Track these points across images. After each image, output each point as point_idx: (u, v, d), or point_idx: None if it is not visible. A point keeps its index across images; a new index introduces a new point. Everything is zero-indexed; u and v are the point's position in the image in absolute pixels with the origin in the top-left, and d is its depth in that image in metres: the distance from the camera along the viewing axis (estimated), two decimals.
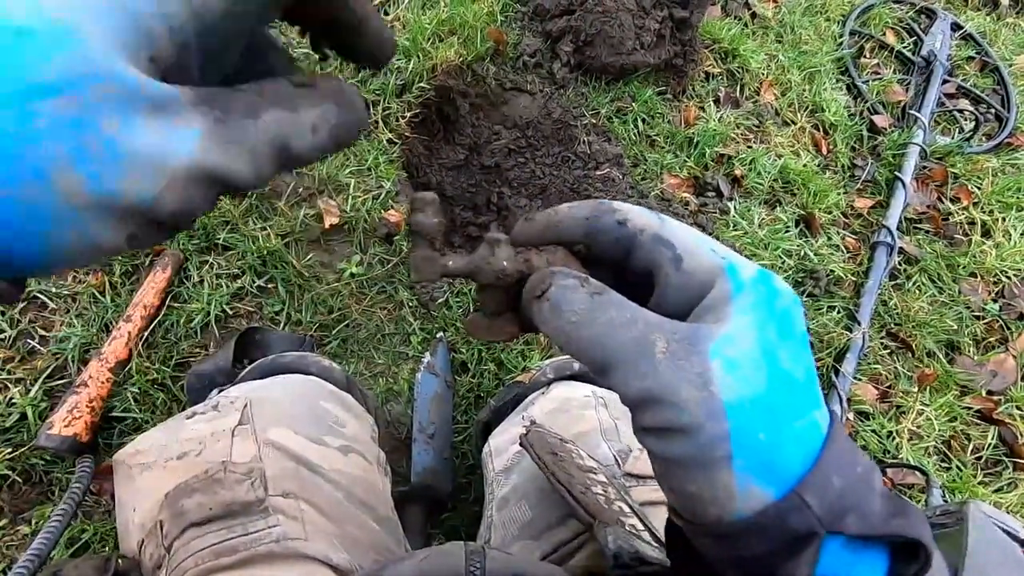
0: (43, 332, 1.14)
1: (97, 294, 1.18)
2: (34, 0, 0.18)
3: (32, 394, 1.07)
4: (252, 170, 0.22)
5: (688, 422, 0.26)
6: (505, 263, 0.32)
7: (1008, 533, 0.91)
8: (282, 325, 1.22)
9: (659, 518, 0.61)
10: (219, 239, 1.25)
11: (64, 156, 0.18)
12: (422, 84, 1.49)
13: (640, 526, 0.57)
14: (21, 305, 1.14)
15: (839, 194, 1.70)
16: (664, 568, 0.45)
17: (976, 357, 1.56)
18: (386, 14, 1.57)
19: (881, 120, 1.86)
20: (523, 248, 0.33)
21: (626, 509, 0.58)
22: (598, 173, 1.59)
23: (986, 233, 1.74)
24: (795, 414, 0.27)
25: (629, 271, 0.32)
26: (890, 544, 0.27)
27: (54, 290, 1.16)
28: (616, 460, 0.70)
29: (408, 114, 1.47)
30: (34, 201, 0.18)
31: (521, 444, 0.65)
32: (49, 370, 1.10)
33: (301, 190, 1.35)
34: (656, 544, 0.54)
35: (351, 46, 0.29)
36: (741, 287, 0.29)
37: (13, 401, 1.06)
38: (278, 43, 0.29)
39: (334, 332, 1.24)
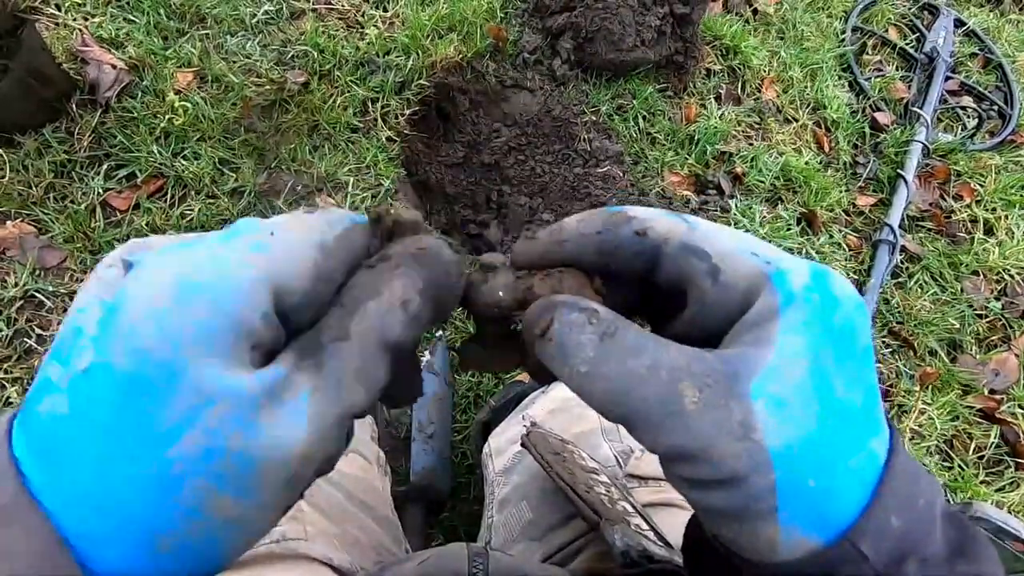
0: (40, 331, 1.13)
1: None
2: (132, 339, 0.20)
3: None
4: (368, 388, 0.23)
5: (728, 476, 0.22)
6: (501, 294, 0.27)
7: (1009, 533, 0.90)
8: None
9: (662, 519, 0.60)
10: None
11: (206, 488, 0.20)
12: (421, 81, 1.48)
13: (644, 526, 0.56)
14: (18, 304, 1.14)
15: (841, 192, 1.69)
16: (673, 566, 0.44)
17: (978, 356, 1.55)
18: (385, 10, 1.56)
19: (883, 117, 1.85)
20: (525, 272, 0.28)
21: (630, 509, 0.58)
22: (599, 171, 1.59)
23: (989, 231, 1.73)
24: (850, 450, 0.24)
25: (657, 286, 0.27)
26: None
27: (51, 289, 1.16)
28: (618, 461, 0.69)
29: (407, 111, 1.46)
30: (200, 532, 0.20)
31: (523, 444, 0.65)
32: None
33: (300, 188, 1.34)
34: (661, 544, 0.53)
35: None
36: (791, 298, 0.24)
37: (10, 400, 1.06)
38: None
39: None
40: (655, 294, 0.28)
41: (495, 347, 0.30)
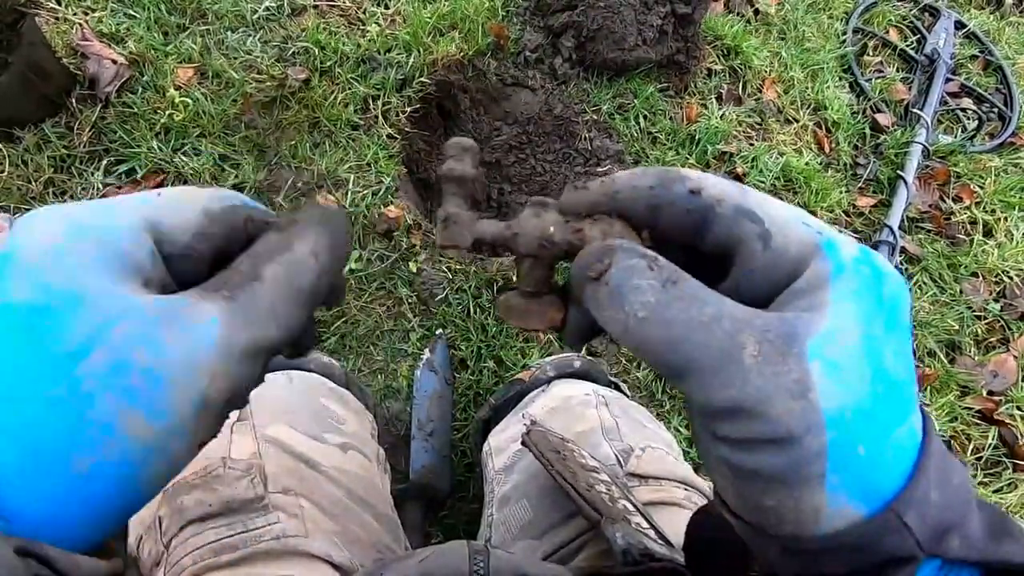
0: None
1: None
2: (30, 275, 0.21)
3: None
4: (279, 325, 0.24)
5: (783, 435, 0.22)
6: (553, 228, 0.27)
7: None
8: None
9: (662, 518, 0.60)
10: None
11: (117, 403, 0.20)
12: (422, 79, 1.48)
13: (645, 524, 0.56)
14: None
15: (841, 192, 1.69)
16: (674, 565, 0.44)
17: (977, 357, 1.55)
18: (386, 8, 1.56)
19: (884, 118, 1.85)
20: (573, 218, 0.27)
21: (630, 508, 0.58)
22: (600, 170, 1.59)
23: (988, 233, 1.73)
24: (897, 420, 0.24)
25: (703, 250, 0.27)
26: (985, 566, 0.24)
27: None
28: (618, 460, 0.69)
29: (408, 109, 1.46)
30: (115, 453, 0.20)
31: (523, 443, 0.65)
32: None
33: (300, 185, 1.34)
34: (662, 543, 0.53)
35: None
36: (842, 268, 0.24)
37: None
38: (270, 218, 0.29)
39: (332, 328, 1.23)
40: (698, 260, 0.27)
41: (536, 296, 0.29)
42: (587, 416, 0.75)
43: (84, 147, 1.26)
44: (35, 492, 0.20)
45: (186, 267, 0.25)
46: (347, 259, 0.28)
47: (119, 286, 0.22)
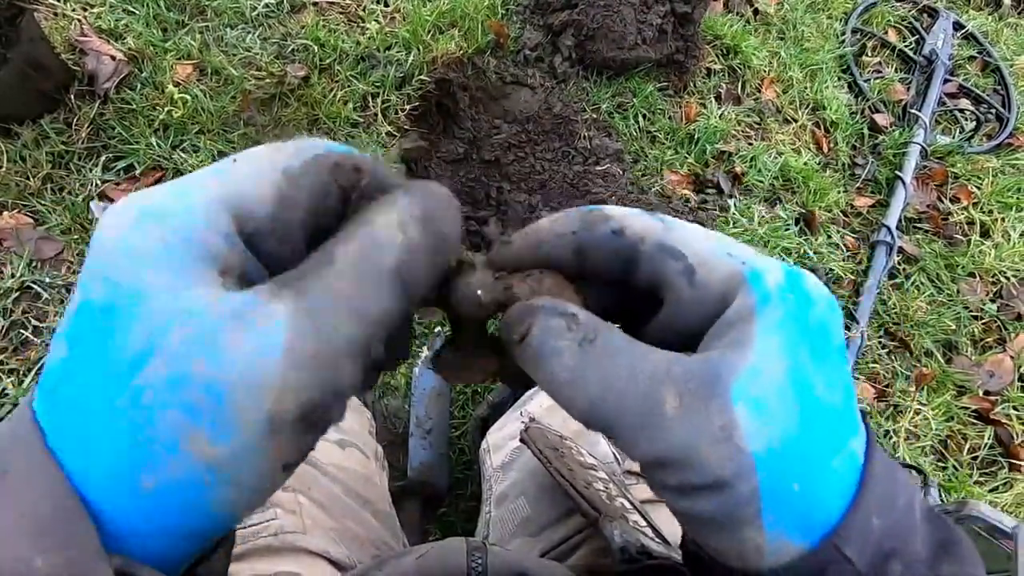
0: (36, 323, 1.13)
1: None
2: (100, 271, 0.20)
3: (25, 385, 1.06)
4: (360, 319, 0.20)
5: (712, 482, 0.22)
6: (480, 292, 0.26)
7: (1004, 532, 0.91)
8: None
9: (660, 516, 0.61)
10: None
11: (179, 419, 0.19)
12: (422, 77, 1.48)
13: (643, 522, 0.56)
14: (14, 295, 1.13)
15: (839, 192, 1.69)
16: (671, 563, 0.44)
17: (974, 357, 1.56)
18: (386, 5, 1.56)
19: (882, 119, 1.85)
20: (503, 273, 0.27)
21: (628, 506, 0.58)
22: (598, 168, 1.59)
23: (985, 233, 1.74)
24: (832, 450, 0.23)
25: (633, 286, 0.27)
26: None
27: (48, 280, 1.15)
28: (615, 457, 0.70)
29: (408, 107, 1.46)
30: (180, 472, 0.19)
31: (522, 440, 0.65)
32: (42, 361, 1.08)
33: None
34: (659, 541, 0.53)
35: None
36: (767, 298, 0.23)
37: (6, 392, 1.05)
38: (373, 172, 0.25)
39: None
40: (631, 297, 0.27)
41: (472, 352, 0.29)
42: None
43: (83, 143, 1.26)
44: (118, 507, 0.19)
45: (276, 243, 0.22)
46: (452, 244, 0.23)
47: (185, 281, 0.19)
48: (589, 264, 0.27)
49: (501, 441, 0.82)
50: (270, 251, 0.22)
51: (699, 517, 0.23)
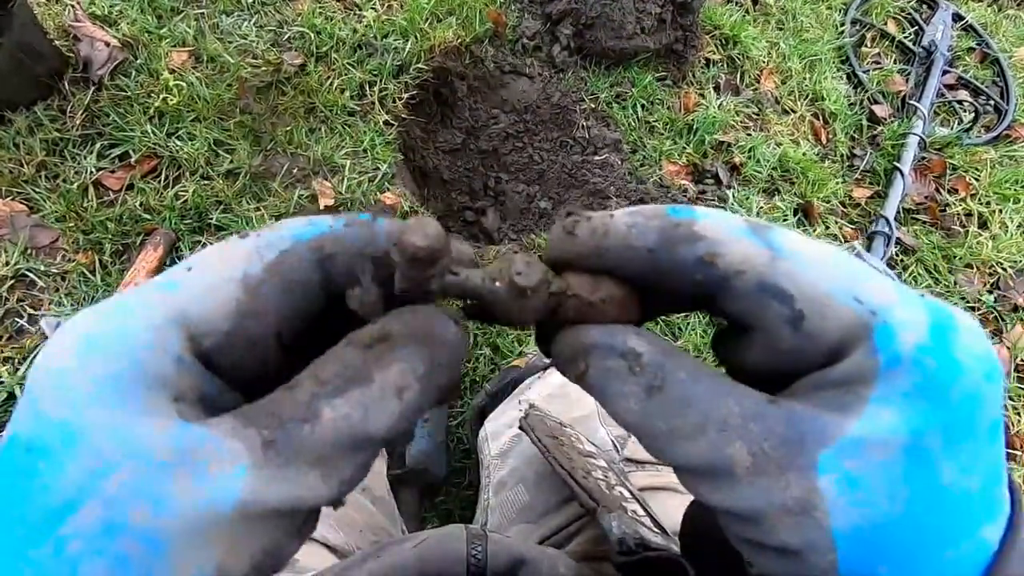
0: (31, 311, 1.12)
1: (87, 273, 1.16)
2: (33, 404, 0.17)
3: (20, 374, 1.06)
4: (332, 483, 0.19)
5: (779, 547, 0.20)
6: (531, 316, 0.22)
7: None
8: None
9: (658, 504, 0.61)
10: (212, 219, 1.23)
11: (107, 573, 0.16)
12: (420, 65, 1.47)
13: (641, 512, 0.56)
14: (9, 283, 1.12)
15: (837, 183, 1.69)
16: (669, 555, 0.44)
17: None
18: None
19: (881, 110, 1.85)
20: (549, 271, 0.23)
21: (627, 495, 0.58)
22: (597, 158, 1.58)
23: (983, 224, 1.74)
24: (947, 541, 0.19)
25: (714, 313, 0.23)
26: None
27: (43, 268, 1.14)
28: (615, 445, 0.69)
29: (405, 95, 1.45)
30: None
31: (520, 427, 0.65)
32: (37, 350, 1.08)
33: (296, 171, 1.33)
34: (657, 531, 0.53)
35: None
36: (896, 361, 0.19)
37: (1, 380, 1.05)
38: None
39: None
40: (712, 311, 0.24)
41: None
42: (584, 402, 0.75)
43: (77, 130, 1.25)
44: None
45: (242, 357, 0.20)
46: (452, 395, 0.21)
47: (130, 414, 0.17)
48: (663, 287, 0.22)
49: (499, 429, 0.82)
50: (235, 364, 0.20)
51: (768, 568, 0.21)
